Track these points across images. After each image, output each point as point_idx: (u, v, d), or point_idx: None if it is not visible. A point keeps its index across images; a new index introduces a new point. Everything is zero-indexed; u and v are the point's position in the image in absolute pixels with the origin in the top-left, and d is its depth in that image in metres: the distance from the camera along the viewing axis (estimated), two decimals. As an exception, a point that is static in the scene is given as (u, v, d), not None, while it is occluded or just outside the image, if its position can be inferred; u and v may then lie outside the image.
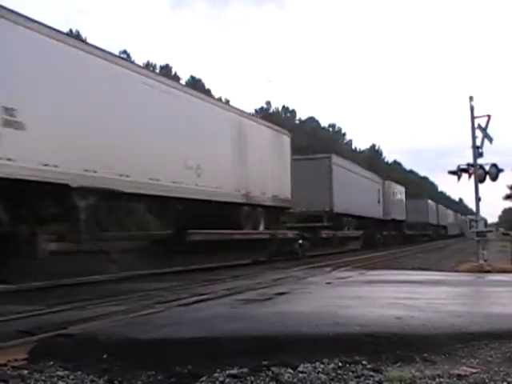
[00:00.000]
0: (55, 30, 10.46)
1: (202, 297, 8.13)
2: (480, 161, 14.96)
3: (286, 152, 20.17)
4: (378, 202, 34.59)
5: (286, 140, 20.32)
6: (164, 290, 9.47)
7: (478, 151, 14.78)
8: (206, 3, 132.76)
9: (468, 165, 15.06)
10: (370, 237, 32.31)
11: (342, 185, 25.69)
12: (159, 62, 53.94)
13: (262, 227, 18.11)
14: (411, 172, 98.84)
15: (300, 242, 20.23)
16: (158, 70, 45.74)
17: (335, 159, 26.42)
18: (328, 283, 10.06)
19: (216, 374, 3.90)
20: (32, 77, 9.63)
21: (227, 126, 15.84)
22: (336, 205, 24.73)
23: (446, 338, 4.64)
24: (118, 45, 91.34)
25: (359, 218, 29.78)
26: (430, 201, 55.64)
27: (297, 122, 69.16)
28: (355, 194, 27.98)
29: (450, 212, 73.07)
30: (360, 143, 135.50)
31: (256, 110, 63.21)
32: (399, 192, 41.94)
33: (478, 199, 15.17)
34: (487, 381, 3.69)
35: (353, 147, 79.68)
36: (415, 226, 47.28)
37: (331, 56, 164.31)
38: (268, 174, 18.20)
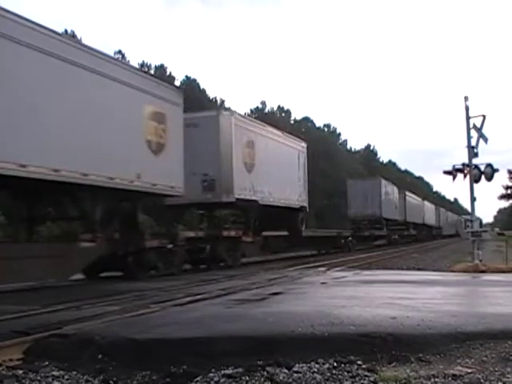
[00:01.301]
0: None
1: (197, 297, 8.12)
2: (475, 161, 14.99)
3: None
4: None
5: None
6: (160, 290, 9.47)
7: (473, 151, 14.79)
8: (201, 2, 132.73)
9: (463, 165, 15.06)
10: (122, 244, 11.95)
11: None
12: (154, 62, 53.74)
13: None
14: (406, 172, 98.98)
15: None
16: (152, 71, 45.44)
17: None
18: (323, 283, 10.05)
19: (211, 374, 3.89)
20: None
21: None
22: None
23: (441, 338, 4.65)
24: (113, 45, 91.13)
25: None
26: (384, 182, 34.85)
27: (292, 121, 69.09)
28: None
29: (428, 205, 52.51)
30: (355, 143, 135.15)
31: (251, 110, 63.16)
32: (283, 147, 19.54)
33: (473, 199, 15.19)
34: (482, 381, 3.69)
35: (348, 147, 79.57)
36: (359, 222, 32.61)
37: (327, 56, 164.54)
38: None
